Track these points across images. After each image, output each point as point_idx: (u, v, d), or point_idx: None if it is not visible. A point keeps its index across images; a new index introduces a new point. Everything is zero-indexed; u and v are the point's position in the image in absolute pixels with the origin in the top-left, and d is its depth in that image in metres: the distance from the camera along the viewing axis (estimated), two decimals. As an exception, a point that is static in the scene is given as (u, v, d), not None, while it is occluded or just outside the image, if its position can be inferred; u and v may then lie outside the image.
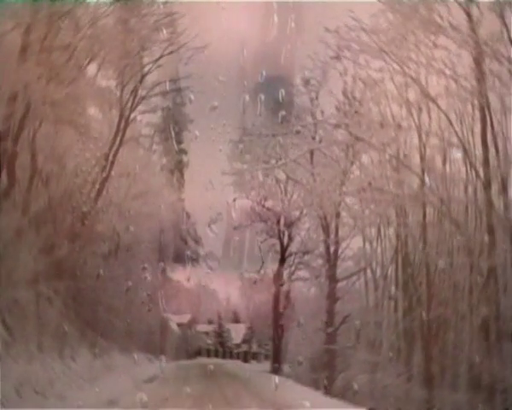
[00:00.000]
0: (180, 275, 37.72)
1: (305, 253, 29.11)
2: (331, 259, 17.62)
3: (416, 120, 16.88)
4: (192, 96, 20.51)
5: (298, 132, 16.77)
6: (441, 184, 16.56)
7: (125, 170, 22.02)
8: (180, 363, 28.81)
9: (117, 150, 17.43)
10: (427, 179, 15.46)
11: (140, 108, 23.04)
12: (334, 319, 17.53)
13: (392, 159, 16.11)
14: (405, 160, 15.69)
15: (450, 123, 15.81)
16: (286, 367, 25.29)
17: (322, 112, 18.09)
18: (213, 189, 27.17)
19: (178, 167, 36.28)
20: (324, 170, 16.96)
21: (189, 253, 36.20)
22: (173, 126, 33.01)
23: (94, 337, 16.23)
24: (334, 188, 16.58)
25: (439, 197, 15.51)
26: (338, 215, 17.34)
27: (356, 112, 15.22)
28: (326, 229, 17.74)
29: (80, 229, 16.71)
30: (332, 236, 17.90)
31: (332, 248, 17.93)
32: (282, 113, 16.55)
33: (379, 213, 17.88)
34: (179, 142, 36.35)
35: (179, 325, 38.24)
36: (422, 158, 16.26)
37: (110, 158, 17.47)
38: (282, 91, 14.44)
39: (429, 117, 16.90)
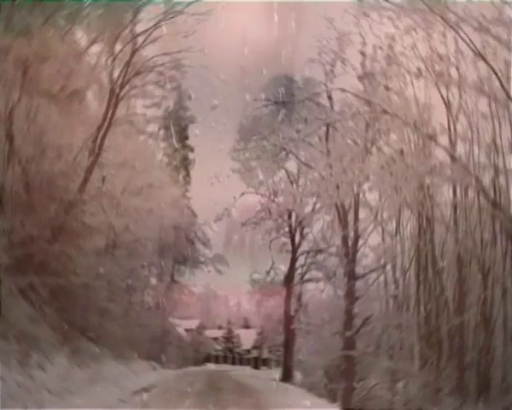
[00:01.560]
0: (187, 278, 36.00)
1: (319, 251, 26.93)
2: (350, 253, 15.37)
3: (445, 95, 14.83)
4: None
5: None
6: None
7: (123, 161, 20.05)
8: (184, 371, 26.70)
9: (106, 132, 15.31)
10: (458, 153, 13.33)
11: (142, 102, 21.31)
12: (353, 321, 15.28)
13: (419, 134, 13.96)
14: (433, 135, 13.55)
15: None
16: (298, 375, 23.74)
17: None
18: (219, 183, 25.54)
19: (184, 165, 34.42)
20: (341, 152, 14.75)
21: (196, 255, 34.42)
22: (175, 120, 31.30)
23: (79, 343, 14.09)
24: (352, 172, 14.37)
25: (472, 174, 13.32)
26: (357, 201, 15.10)
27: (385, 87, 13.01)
28: (344, 219, 15.49)
29: (64, 220, 14.57)
30: (350, 227, 15.64)
31: (350, 242, 15.67)
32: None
33: (400, 201, 15.72)
34: (185, 137, 34.53)
35: (187, 330, 36.46)
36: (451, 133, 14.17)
37: (98, 141, 15.36)
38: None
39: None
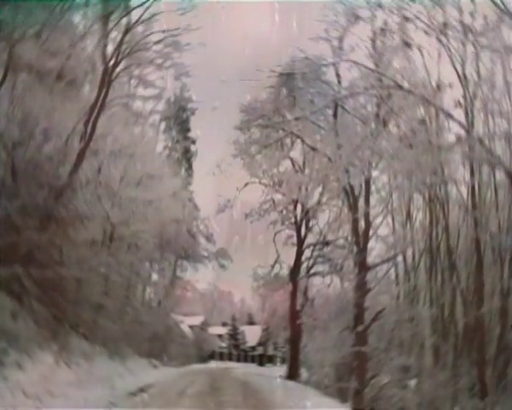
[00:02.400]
0: (190, 274, 34.92)
1: (325, 244, 25.70)
2: (360, 242, 14.18)
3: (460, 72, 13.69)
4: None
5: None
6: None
7: (120, 148, 18.96)
8: (186, 369, 25.60)
9: (98, 114, 14.15)
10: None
11: (141, 91, 20.25)
12: (364, 315, 14.09)
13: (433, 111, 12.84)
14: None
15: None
16: (304, 372, 22.10)
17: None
18: (221, 173, 24.46)
19: (186, 157, 33.33)
20: (350, 132, 13.60)
21: (199, 250, 33.34)
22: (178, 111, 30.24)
23: (69, 340, 12.97)
24: (362, 154, 13.22)
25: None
26: (368, 185, 13.89)
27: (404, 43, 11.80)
28: (354, 206, 14.31)
29: (53, 209, 13.43)
30: (361, 214, 14.46)
31: (361, 230, 14.49)
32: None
33: (412, 185, 14.58)
34: (186, 130, 33.44)
35: (191, 327, 35.43)
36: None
37: (90, 124, 14.20)
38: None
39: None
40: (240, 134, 20.42)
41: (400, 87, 11.95)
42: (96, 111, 13.89)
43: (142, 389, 13.52)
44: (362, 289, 14.03)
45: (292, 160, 22.20)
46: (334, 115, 14.40)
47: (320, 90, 13.64)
